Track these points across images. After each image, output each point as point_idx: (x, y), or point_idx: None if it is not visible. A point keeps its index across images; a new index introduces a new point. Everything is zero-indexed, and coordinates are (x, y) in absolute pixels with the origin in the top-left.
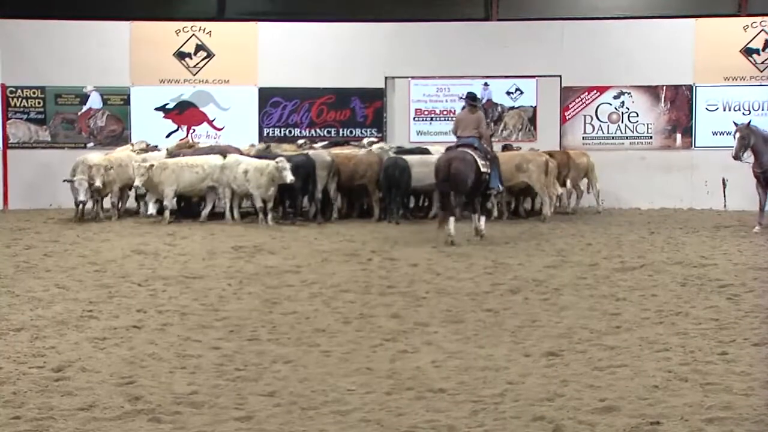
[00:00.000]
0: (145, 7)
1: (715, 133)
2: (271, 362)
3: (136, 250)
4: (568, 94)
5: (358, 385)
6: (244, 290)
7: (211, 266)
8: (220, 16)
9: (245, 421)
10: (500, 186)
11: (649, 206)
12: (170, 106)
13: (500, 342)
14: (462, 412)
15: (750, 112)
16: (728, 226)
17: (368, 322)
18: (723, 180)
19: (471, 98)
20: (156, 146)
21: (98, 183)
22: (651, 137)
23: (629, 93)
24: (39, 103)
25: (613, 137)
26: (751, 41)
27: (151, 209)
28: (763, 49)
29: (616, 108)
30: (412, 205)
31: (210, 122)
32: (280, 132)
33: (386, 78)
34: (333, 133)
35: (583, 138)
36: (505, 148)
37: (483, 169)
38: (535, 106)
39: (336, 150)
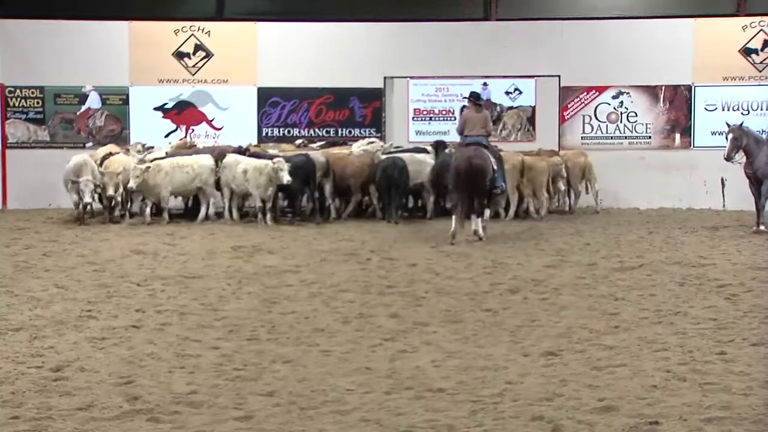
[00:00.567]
0: (144, 6)
1: (713, 133)
2: (270, 362)
3: (135, 250)
4: (567, 94)
5: (357, 384)
6: (243, 290)
7: (210, 266)
8: (219, 16)
9: (244, 420)
10: (504, 185)
11: (647, 206)
12: (169, 105)
13: (499, 342)
14: (461, 412)
15: (749, 112)
16: (727, 226)
17: (367, 321)
18: (722, 180)
19: (475, 97)
20: (152, 147)
21: (111, 191)
22: (650, 137)
23: (628, 93)
24: (38, 102)
25: (611, 137)
26: (749, 41)
27: (147, 217)
28: (762, 49)
29: (615, 108)
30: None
31: (209, 122)
32: (279, 132)
33: (385, 78)
34: (332, 133)
35: (581, 138)
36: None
37: (494, 167)
38: (534, 106)
39: (335, 150)
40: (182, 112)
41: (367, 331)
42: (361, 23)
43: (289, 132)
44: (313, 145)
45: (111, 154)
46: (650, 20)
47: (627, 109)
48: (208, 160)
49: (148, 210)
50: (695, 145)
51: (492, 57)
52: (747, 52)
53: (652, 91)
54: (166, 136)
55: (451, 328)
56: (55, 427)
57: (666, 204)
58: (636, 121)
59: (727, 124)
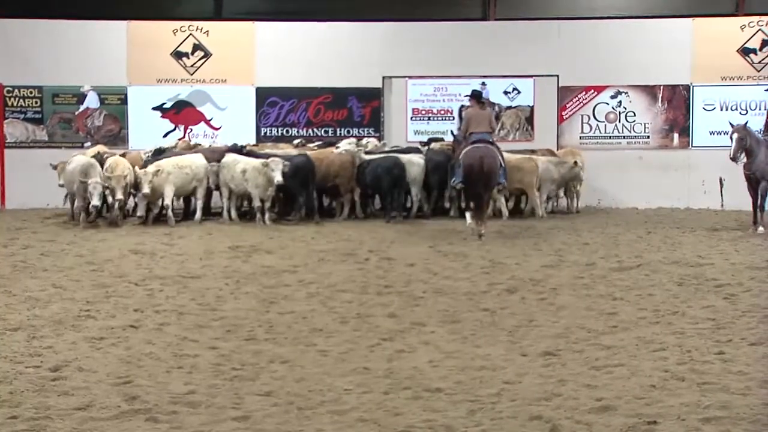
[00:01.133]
0: (142, 6)
1: (712, 133)
2: (268, 362)
3: (133, 250)
4: (565, 94)
5: (355, 384)
6: (241, 290)
7: (208, 266)
8: (217, 15)
9: (242, 420)
10: (505, 181)
11: (646, 206)
12: (167, 105)
13: (497, 342)
14: (459, 412)
15: (747, 112)
16: (725, 225)
17: (365, 321)
18: (720, 180)
19: (477, 96)
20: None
21: (120, 195)
22: (648, 137)
23: (626, 92)
24: (36, 102)
25: (610, 137)
26: (748, 41)
27: (140, 212)
28: (761, 49)
29: (613, 107)
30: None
31: (207, 122)
32: (278, 132)
33: (383, 77)
34: (330, 132)
35: (580, 138)
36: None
37: (502, 164)
38: (533, 106)
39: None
40: (180, 112)
41: (365, 331)
42: (359, 23)
43: (287, 132)
44: (311, 145)
45: (99, 154)
46: (649, 20)
47: (625, 108)
48: (203, 160)
49: (142, 211)
50: (693, 145)
51: (490, 57)
52: (745, 51)
53: (650, 90)
54: (165, 135)
55: (448, 328)
56: (53, 426)
57: (664, 204)
58: (634, 121)
59: (731, 124)
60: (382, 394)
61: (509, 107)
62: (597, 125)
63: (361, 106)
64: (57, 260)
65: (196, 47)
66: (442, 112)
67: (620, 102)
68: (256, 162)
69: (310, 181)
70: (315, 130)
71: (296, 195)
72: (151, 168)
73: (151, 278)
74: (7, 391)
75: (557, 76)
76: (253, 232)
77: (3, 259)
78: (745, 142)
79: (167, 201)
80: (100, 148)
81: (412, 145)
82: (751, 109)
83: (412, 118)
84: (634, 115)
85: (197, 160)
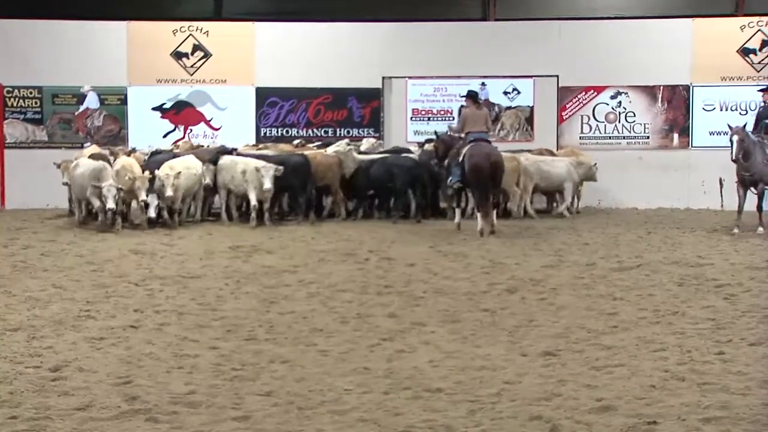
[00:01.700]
0: (142, 7)
1: (712, 133)
2: (268, 362)
3: (133, 250)
4: (565, 94)
5: (355, 384)
6: (241, 290)
7: (209, 266)
8: (217, 15)
9: (242, 420)
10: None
11: (646, 206)
12: (167, 105)
13: (497, 342)
14: (459, 412)
15: (747, 112)
16: (725, 225)
17: (365, 321)
18: (720, 180)
19: (473, 96)
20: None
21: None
22: (648, 137)
23: (626, 93)
24: (36, 102)
25: (610, 137)
26: (748, 41)
27: (152, 213)
28: (760, 49)
29: (613, 108)
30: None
31: (207, 122)
32: (278, 132)
33: (383, 78)
34: (330, 133)
35: (580, 138)
36: None
37: None
38: (533, 106)
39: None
40: (180, 112)
41: (365, 331)
42: (359, 23)
43: (287, 132)
44: (310, 145)
45: (112, 153)
46: (648, 20)
47: (625, 109)
48: (199, 161)
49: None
50: (693, 145)
51: (490, 57)
52: (745, 52)
53: (650, 91)
54: (165, 136)
55: (449, 328)
56: (53, 427)
57: (664, 204)
58: (634, 121)
59: (729, 126)
60: (382, 394)
61: (509, 108)
62: (597, 125)
63: (361, 107)
64: (57, 260)
65: (196, 47)
66: (442, 112)
67: (620, 102)
68: (256, 163)
69: (307, 181)
70: (315, 130)
71: (296, 195)
72: (166, 169)
73: (151, 278)
74: (7, 392)
75: (557, 76)
76: (254, 232)
77: (3, 260)
78: (745, 144)
79: (177, 201)
80: (94, 148)
81: (412, 146)
82: (750, 109)
83: (412, 118)
84: (634, 115)
85: (198, 161)
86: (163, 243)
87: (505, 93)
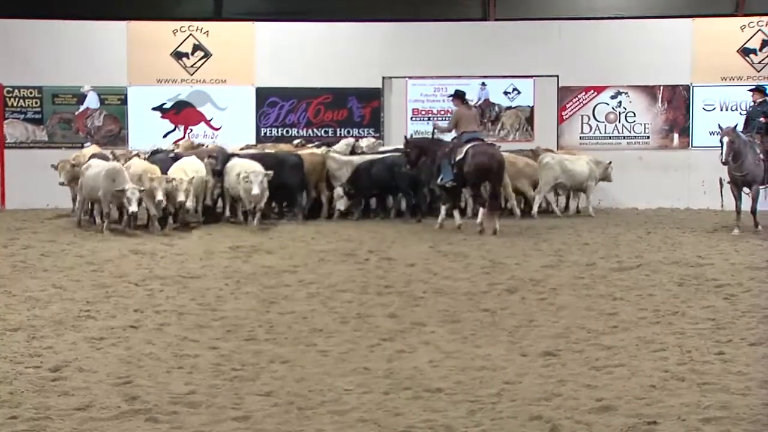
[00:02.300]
0: (142, 6)
1: (712, 133)
2: (268, 362)
3: (133, 250)
4: (565, 94)
5: (355, 384)
6: (241, 290)
7: (209, 266)
8: (217, 15)
9: (242, 420)
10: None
11: (646, 206)
12: (167, 105)
13: (497, 342)
14: (459, 412)
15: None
16: (725, 226)
17: (365, 321)
18: (720, 180)
19: (461, 96)
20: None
21: (160, 197)
22: (648, 137)
23: (626, 93)
24: (36, 102)
25: (610, 137)
26: (748, 41)
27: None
28: (761, 49)
29: (613, 108)
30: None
31: (207, 122)
32: (278, 132)
33: (383, 78)
34: (330, 133)
35: (580, 138)
36: None
37: None
38: (533, 106)
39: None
40: (181, 112)
41: (365, 331)
42: (359, 23)
43: (287, 132)
44: (310, 145)
45: (94, 155)
46: (649, 20)
47: (625, 109)
48: (201, 163)
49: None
50: (693, 145)
51: (490, 57)
52: (745, 52)
53: (650, 91)
54: (165, 136)
55: (449, 328)
56: (53, 427)
57: (664, 204)
58: (634, 121)
59: (720, 127)
60: (382, 394)
61: (509, 108)
62: (597, 125)
63: (361, 107)
64: (57, 260)
65: (196, 47)
66: (442, 112)
67: (620, 102)
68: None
69: (302, 180)
70: (315, 130)
71: (293, 194)
72: (180, 174)
73: (151, 278)
74: (7, 392)
75: (557, 76)
76: (253, 232)
77: (3, 260)
78: (735, 145)
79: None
80: (94, 148)
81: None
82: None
83: (412, 118)
84: (634, 115)
85: (201, 163)
86: (163, 243)
87: (506, 93)
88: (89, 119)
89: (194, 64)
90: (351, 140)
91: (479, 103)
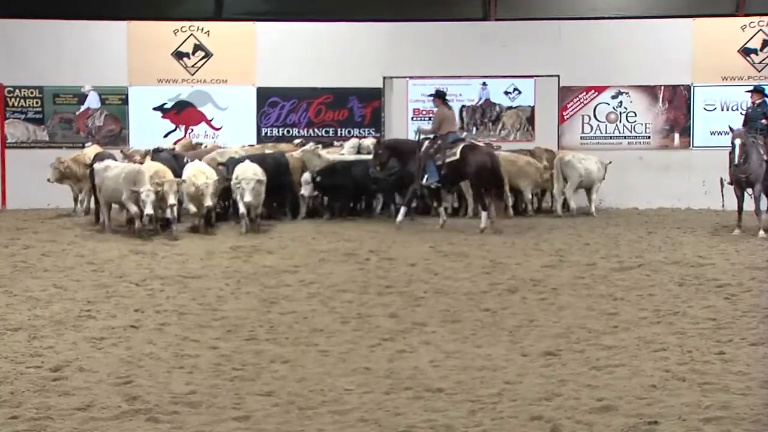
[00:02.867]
0: (142, 6)
1: (713, 133)
2: (269, 362)
3: (133, 250)
4: (566, 94)
5: (356, 384)
6: (241, 290)
7: (209, 266)
8: (218, 15)
9: (243, 420)
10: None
11: (646, 206)
12: (168, 105)
13: (498, 342)
14: (460, 412)
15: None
16: (726, 225)
17: (366, 321)
18: (721, 180)
19: (442, 96)
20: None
21: (173, 200)
22: (649, 137)
23: (627, 93)
24: (37, 102)
25: (611, 137)
26: (749, 41)
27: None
28: (761, 49)
29: (614, 108)
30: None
31: (208, 122)
32: (278, 132)
33: (384, 78)
34: (331, 133)
35: (581, 138)
36: None
37: None
38: (533, 106)
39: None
40: (181, 112)
41: (366, 331)
42: (360, 23)
43: (288, 132)
44: (296, 142)
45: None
46: (649, 20)
47: (626, 109)
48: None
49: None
50: (694, 145)
51: (491, 57)
52: (746, 52)
53: (651, 91)
54: (166, 136)
55: (449, 328)
56: (54, 427)
57: (665, 204)
58: (635, 121)
59: (731, 128)
60: (383, 394)
61: (510, 107)
62: (598, 125)
63: (362, 107)
64: (58, 260)
65: (197, 47)
66: None
67: (621, 102)
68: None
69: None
70: (316, 130)
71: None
72: (202, 178)
73: (151, 278)
74: (7, 392)
75: (558, 76)
76: (253, 232)
77: (4, 259)
78: (746, 147)
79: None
80: (95, 148)
81: None
82: None
83: (412, 118)
84: (635, 115)
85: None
86: (163, 243)
87: (506, 93)
88: (90, 119)
89: (195, 64)
90: (356, 141)
91: (480, 103)
